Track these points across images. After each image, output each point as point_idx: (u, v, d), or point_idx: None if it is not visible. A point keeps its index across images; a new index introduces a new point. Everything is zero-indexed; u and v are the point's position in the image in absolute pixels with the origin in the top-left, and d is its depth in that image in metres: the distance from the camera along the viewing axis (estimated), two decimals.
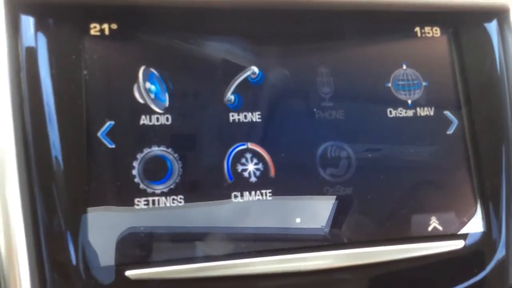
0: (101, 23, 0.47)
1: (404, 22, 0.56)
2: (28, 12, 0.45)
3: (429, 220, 0.52)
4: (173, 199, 0.46)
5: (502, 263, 0.52)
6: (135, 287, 0.43)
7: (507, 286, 0.52)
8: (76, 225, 0.43)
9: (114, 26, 0.47)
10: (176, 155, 0.47)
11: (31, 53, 0.44)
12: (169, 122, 0.47)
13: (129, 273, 0.43)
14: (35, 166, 0.43)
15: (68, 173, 0.43)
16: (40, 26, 0.45)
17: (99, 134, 0.45)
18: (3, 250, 0.41)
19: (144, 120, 0.47)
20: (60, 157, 0.43)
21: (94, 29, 0.47)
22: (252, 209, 0.48)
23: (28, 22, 0.45)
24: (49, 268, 0.42)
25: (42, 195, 0.43)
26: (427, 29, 0.56)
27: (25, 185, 0.42)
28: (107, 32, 0.47)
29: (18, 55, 0.44)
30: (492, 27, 0.57)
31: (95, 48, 0.46)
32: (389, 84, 0.54)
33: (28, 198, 0.42)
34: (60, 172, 0.43)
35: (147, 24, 0.48)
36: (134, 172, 0.45)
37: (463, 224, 0.52)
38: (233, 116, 0.49)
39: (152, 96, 0.47)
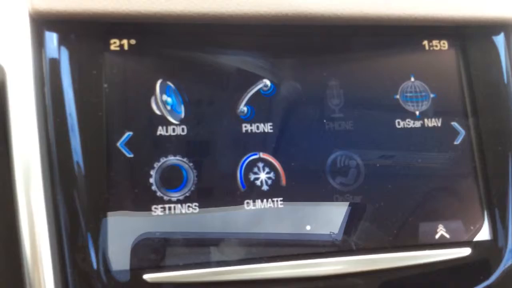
0: (120, 39, 0.49)
1: (412, 35, 0.57)
2: (52, 29, 0.47)
3: (437, 228, 0.53)
4: (189, 206, 0.48)
5: (509, 271, 0.53)
6: None
7: None
8: (96, 230, 0.45)
9: (133, 41, 0.50)
10: (191, 164, 0.49)
11: (55, 67, 0.47)
12: (184, 133, 0.49)
13: (147, 276, 0.45)
14: (58, 174, 0.45)
15: (89, 180, 0.46)
16: (63, 41, 0.48)
17: (118, 144, 0.47)
18: (28, 254, 0.43)
19: (161, 130, 0.49)
20: (82, 166, 0.46)
21: (114, 44, 0.49)
22: (264, 216, 0.50)
23: (52, 38, 0.47)
24: (70, 271, 0.44)
25: (64, 201, 0.45)
26: (435, 42, 0.58)
27: (48, 191, 0.45)
28: (126, 47, 0.49)
29: (42, 70, 0.47)
30: (499, 40, 0.58)
31: (115, 62, 0.49)
32: (397, 96, 0.55)
33: (51, 204, 0.45)
34: (81, 179, 0.45)
35: (164, 39, 0.51)
36: (151, 180, 0.48)
37: (470, 232, 0.53)
38: (246, 127, 0.51)
39: (169, 108, 0.49)
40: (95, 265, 0.45)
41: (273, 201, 0.50)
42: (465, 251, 0.52)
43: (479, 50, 0.58)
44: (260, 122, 0.52)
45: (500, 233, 0.54)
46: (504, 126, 0.56)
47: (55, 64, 0.47)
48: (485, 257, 0.53)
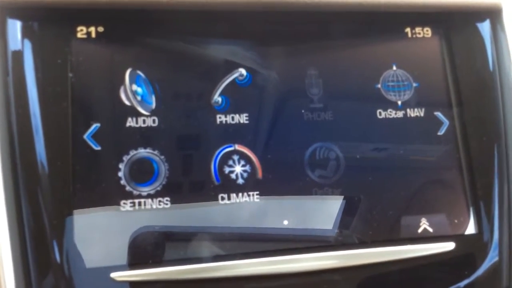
0: (88, 26, 0.47)
1: (395, 22, 0.56)
2: (14, 16, 0.45)
3: (419, 221, 0.51)
4: (159, 201, 0.46)
5: (494, 266, 0.51)
6: None
7: None
8: (62, 228, 0.43)
9: (100, 29, 0.47)
10: (162, 157, 0.47)
11: (18, 56, 0.45)
12: (155, 124, 0.47)
13: (114, 274, 0.43)
14: (21, 168, 0.43)
15: (53, 175, 0.43)
16: (26, 29, 0.45)
17: (85, 136, 0.45)
18: None
19: (130, 122, 0.47)
20: (45, 160, 0.43)
21: (81, 32, 0.47)
22: (240, 210, 0.48)
23: (14, 26, 0.45)
24: (34, 271, 0.42)
25: (27, 197, 0.43)
26: (418, 29, 0.56)
27: (10, 187, 0.43)
28: (93, 34, 0.47)
29: (4, 59, 0.45)
30: (484, 27, 0.57)
31: (82, 50, 0.47)
32: (379, 85, 0.53)
33: (13, 201, 0.43)
34: (45, 174, 0.43)
35: (133, 26, 0.48)
36: (120, 174, 0.45)
37: (454, 225, 0.52)
38: (220, 118, 0.49)
39: (139, 98, 0.47)
40: (60, 263, 0.43)
41: (248, 195, 0.48)
42: (449, 246, 0.50)
43: (464, 37, 0.56)
44: (235, 113, 0.50)
45: (485, 227, 0.52)
46: (489, 116, 0.54)
47: (18, 53, 0.45)
48: (470, 251, 0.51)
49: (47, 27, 0.46)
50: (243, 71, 0.50)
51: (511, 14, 0.56)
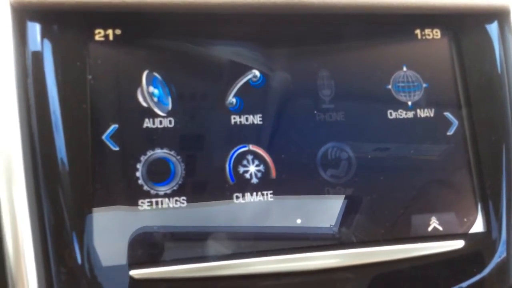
0: (105, 29, 0.48)
1: (405, 24, 0.56)
2: (34, 19, 0.46)
3: (429, 220, 0.52)
4: (176, 200, 0.47)
5: (503, 263, 0.52)
6: (139, 286, 0.44)
7: (508, 286, 0.52)
8: (82, 226, 0.44)
9: (118, 31, 0.48)
10: (179, 157, 0.48)
11: (37, 59, 0.45)
12: (172, 125, 0.48)
13: (133, 272, 0.44)
14: (42, 168, 0.44)
15: (73, 175, 0.44)
16: (46, 32, 0.46)
17: (103, 137, 0.46)
18: (10, 251, 0.42)
19: (147, 123, 0.48)
20: (65, 160, 0.44)
21: (99, 34, 0.48)
22: (254, 209, 0.49)
23: (34, 29, 0.46)
24: (55, 268, 0.43)
25: (48, 196, 0.44)
26: (427, 31, 0.57)
27: (31, 187, 0.44)
28: (111, 37, 0.48)
29: (25, 61, 0.46)
30: (492, 28, 0.57)
31: (100, 53, 0.47)
32: (389, 86, 0.54)
33: (34, 200, 0.44)
34: (65, 174, 0.44)
35: (150, 29, 0.49)
36: (138, 174, 0.46)
37: (463, 224, 0.53)
38: (235, 119, 0.50)
39: (155, 99, 0.48)
40: (80, 261, 0.44)
41: (262, 194, 0.49)
42: (459, 244, 0.51)
43: (473, 39, 0.57)
44: (249, 114, 0.50)
45: (494, 225, 0.53)
46: (498, 116, 0.55)
47: (38, 55, 0.46)
48: (479, 249, 0.52)
49: (66, 30, 0.47)
50: (256, 72, 0.51)
51: None
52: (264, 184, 0.49)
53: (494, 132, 0.55)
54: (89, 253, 0.44)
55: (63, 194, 0.44)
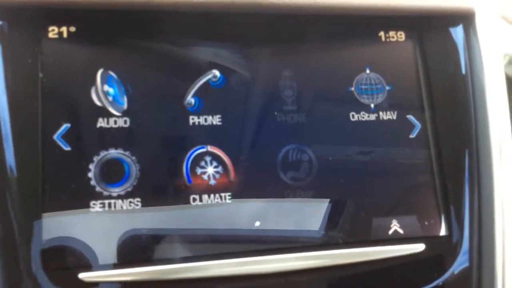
0: (59, 26, 0.47)
1: (369, 26, 0.56)
2: None
3: (390, 223, 0.52)
4: (130, 202, 0.46)
5: (464, 268, 0.52)
6: None
7: None
8: (30, 228, 0.43)
9: (72, 29, 0.47)
10: (134, 158, 0.47)
11: None
12: (127, 125, 0.47)
13: (82, 275, 0.43)
14: None
15: (22, 176, 0.43)
16: None
17: (54, 136, 0.45)
18: None
19: (101, 122, 0.46)
20: (14, 160, 0.43)
21: (53, 32, 0.47)
22: (211, 212, 0.48)
23: None
24: (2, 274, 0.42)
25: None
26: (391, 33, 0.56)
27: None
28: (65, 35, 0.47)
29: None
30: (457, 31, 0.57)
31: (53, 50, 0.46)
32: (352, 88, 0.54)
33: None
34: (13, 175, 0.43)
35: (105, 27, 0.48)
36: (90, 174, 0.45)
37: (425, 227, 0.52)
38: (193, 119, 0.49)
39: (110, 98, 0.47)
40: (28, 266, 0.42)
41: (220, 196, 0.48)
42: (419, 247, 0.51)
43: (437, 42, 0.57)
44: (208, 115, 0.50)
45: (455, 229, 0.53)
46: (461, 120, 0.55)
47: None
48: (440, 253, 0.52)
49: (18, 27, 0.45)
50: (216, 72, 0.50)
51: (484, 19, 0.57)
52: (222, 186, 0.48)
53: (457, 135, 0.54)
54: (37, 256, 0.43)
55: (11, 197, 0.43)
